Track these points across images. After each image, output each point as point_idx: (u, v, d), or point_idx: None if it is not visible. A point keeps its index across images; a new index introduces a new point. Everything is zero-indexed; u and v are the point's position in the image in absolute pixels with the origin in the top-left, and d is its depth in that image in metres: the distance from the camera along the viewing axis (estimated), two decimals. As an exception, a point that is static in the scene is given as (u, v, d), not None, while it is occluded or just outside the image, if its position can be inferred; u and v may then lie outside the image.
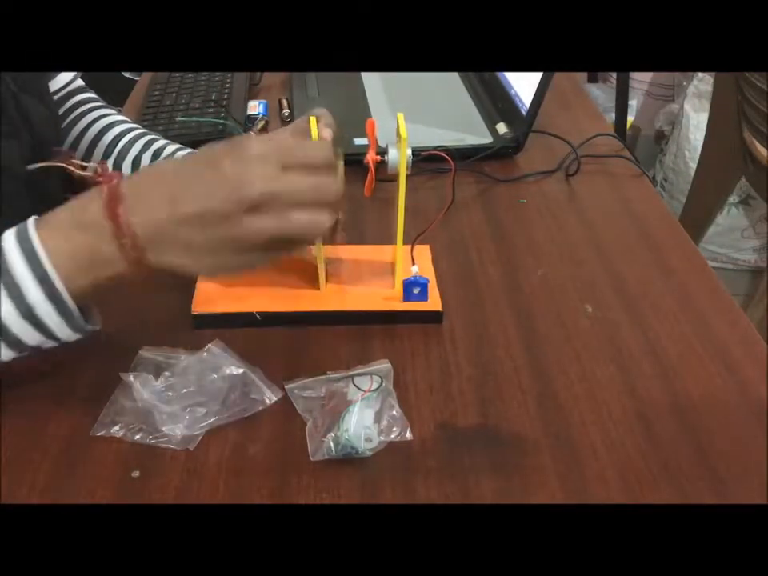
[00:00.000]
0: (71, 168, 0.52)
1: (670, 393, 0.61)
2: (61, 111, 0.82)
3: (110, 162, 0.79)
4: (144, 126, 0.96)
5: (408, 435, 0.56)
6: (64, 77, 0.84)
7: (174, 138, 0.92)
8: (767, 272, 1.64)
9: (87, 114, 0.83)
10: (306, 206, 0.51)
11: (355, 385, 0.58)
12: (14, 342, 0.52)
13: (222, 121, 0.95)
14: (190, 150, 0.79)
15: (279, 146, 0.51)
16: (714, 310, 0.69)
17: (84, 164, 0.53)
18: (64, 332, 0.53)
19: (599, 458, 0.55)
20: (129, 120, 0.84)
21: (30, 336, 0.52)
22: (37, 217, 0.52)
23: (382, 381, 0.58)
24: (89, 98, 0.86)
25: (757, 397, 0.60)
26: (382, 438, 0.55)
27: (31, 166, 0.54)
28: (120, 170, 0.78)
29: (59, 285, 0.50)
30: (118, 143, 0.79)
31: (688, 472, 0.54)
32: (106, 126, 0.81)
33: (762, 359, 0.64)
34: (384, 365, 0.61)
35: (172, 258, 0.51)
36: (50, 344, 0.54)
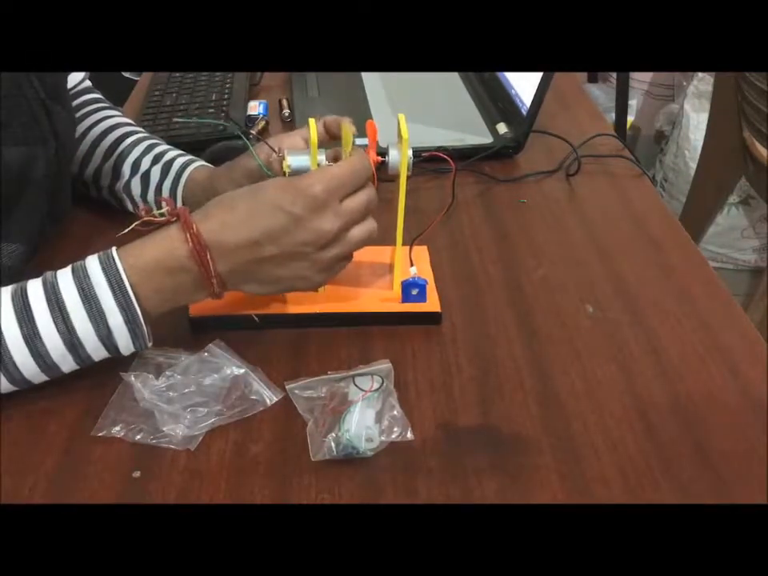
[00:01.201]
0: (155, 221, 0.56)
1: (671, 392, 0.61)
2: None
3: (109, 165, 0.79)
4: (144, 127, 0.96)
5: (409, 435, 0.56)
6: (74, 77, 0.85)
7: (174, 138, 0.93)
8: (767, 272, 1.64)
9: (92, 114, 0.83)
10: (361, 221, 0.58)
11: (356, 385, 0.58)
12: (84, 359, 0.56)
13: (221, 122, 0.95)
14: (190, 156, 0.79)
15: (336, 181, 0.56)
16: (713, 310, 0.69)
17: (156, 213, 0.57)
18: (128, 350, 0.57)
19: (600, 457, 0.55)
20: (133, 123, 0.84)
21: (98, 353, 0.56)
22: (117, 248, 0.56)
23: (383, 381, 0.58)
24: (95, 98, 0.86)
25: (757, 397, 0.60)
26: (383, 438, 0.55)
27: (121, 233, 0.58)
28: (120, 171, 0.78)
29: (140, 313, 0.54)
30: (119, 145, 0.79)
31: (689, 472, 0.54)
32: (109, 127, 0.81)
33: (762, 359, 0.64)
34: (385, 365, 0.61)
35: (247, 287, 0.58)
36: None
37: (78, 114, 0.82)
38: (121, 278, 0.54)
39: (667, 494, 0.52)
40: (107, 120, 0.82)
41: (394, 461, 0.55)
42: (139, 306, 0.54)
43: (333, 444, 0.54)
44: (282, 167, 0.62)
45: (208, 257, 0.54)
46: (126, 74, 1.53)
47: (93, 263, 0.55)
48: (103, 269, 0.54)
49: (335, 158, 0.62)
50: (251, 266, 0.56)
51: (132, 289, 0.54)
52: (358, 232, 0.59)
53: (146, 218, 0.56)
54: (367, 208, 0.59)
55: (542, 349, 0.65)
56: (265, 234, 0.55)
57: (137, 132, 0.82)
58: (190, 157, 0.79)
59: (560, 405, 0.59)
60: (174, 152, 0.79)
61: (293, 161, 0.61)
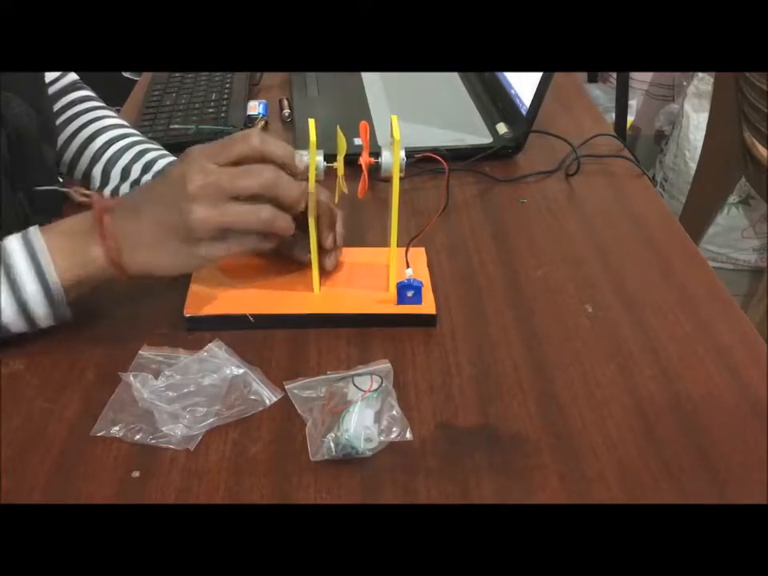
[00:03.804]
0: (73, 194, 0.62)
1: (671, 393, 0.61)
2: (54, 109, 0.81)
3: (98, 169, 0.78)
4: (144, 127, 0.96)
5: (408, 435, 0.56)
6: (51, 73, 0.83)
7: (173, 139, 0.93)
8: (767, 272, 1.64)
9: (81, 115, 0.82)
10: (253, 232, 0.59)
11: (355, 385, 0.58)
12: (1, 329, 0.59)
13: (222, 128, 0.94)
14: None
15: (219, 178, 0.57)
16: (714, 310, 0.69)
17: (86, 192, 0.62)
18: (46, 322, 0.60)
19: (599, 457, 0.55)
20: (124, 123, 0.83)
21: (16, 324, 0.59)
22: (38, 226, 0.59)
23: (382, 381, 0.58)
24: (84, 96, 0.84)
25: (757, 397, 0.60)
26: (381, 438, 0.55)
27: (39, 188, 0.66)
28: (109, 176, 0.78)
29: (54, 280, 0.57)
30: (107, 150, 0.79)
31: (688, 472, 0.54)
32: (98, 130, 0.80)
33: (762, 359, 0.64)
34: (384, 365, 0.61)
35: (141, 256, 0.59)
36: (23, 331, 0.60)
37: (65, 115, 0.81)
38: (33, 242, 0.58)
39: (666, 494, 0.52)
40: (97, 122, 0.81)
41: (393, 461, 0.55)
42: (52, 265, 0.57)
43: (332, 444, 0.54)
44: None
45: (106, 217, 0.57)
46: (126, 74, 1.53)
47: (13, 237, 0.59)
48: (21, 238, 0.58)
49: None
50: (138, 230, 0.58)
51: (44, 248, 0.57)
52: (247, 241, 0.59)
53: (72, 190, 0.62)
54: (263, 223, 0.58)
55: (542, 349, 0.65)
56: (150, 208, 0.58)
57: (126, 136, 0.81)
58: None
59: (559, 405, 0.59)
60: (165, 160, 0.78)
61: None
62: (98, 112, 0.83)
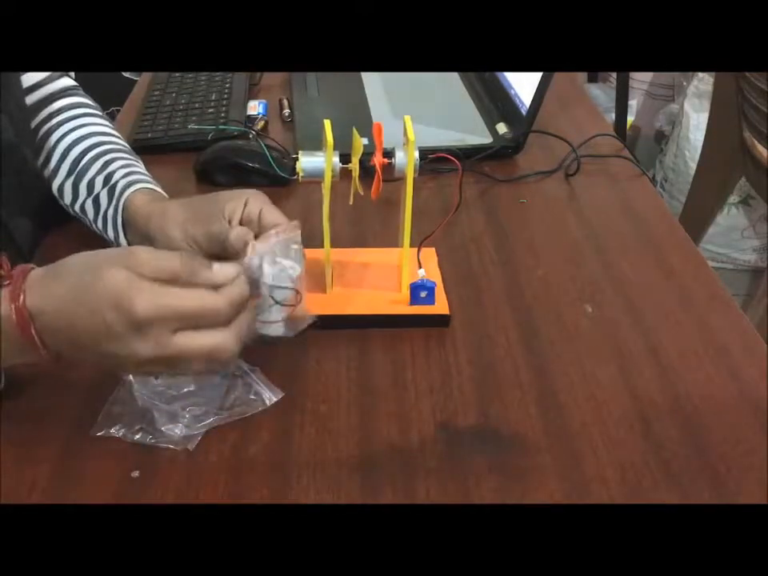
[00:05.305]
0: None
1: (670, 393, 0.61)
2: (38, 120, 0.76)
3: (69, 182, 0.73)
4: (144, 127, 0.96)
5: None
6: (33, 76, 0.77)
7: (174, 139, 0.93)
8: (767, 272, 1.64)
9: (64, 124, 0.76)
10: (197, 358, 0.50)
11: (275, 300, 0.55)
12: None
13: (243, 129, 0.95)
14: (132, 177, 0.71)
15: (170, 311, 0.48)
16: (713, 310, 0.69)
17: None
18: None
19: (599, 457, 0.55)
20: (106, 131, 0.77)
21: None
22: None
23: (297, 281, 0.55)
24: (73, 103, 0.78)
25: (757, 397, 0.60)
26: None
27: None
28: (78, 190, 0.72)
29: None
30: (80, 161, 0.73)
31: (688, 472, 0.54)
32: (75, 141, 0.74)
33: (762, 359, 0.64)
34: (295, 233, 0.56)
35: (85, 361, 0.53)
36: None
37: (53, 121, 0.76)
38: None
39: (666, 494, 0.53)
40: (76, 131, 0.75)
41: (392, 461, 0.55)
42: None
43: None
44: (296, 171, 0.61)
45: (31, 329, 0.49)
46: (126, 74, 1.53)
47: None
48: None
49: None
50: (74, 349, 0.50)
51: None
52: (197, 365, 0.51)
53: None
54: (210, 353, 0.50)
55: (542, 349, 0.65)
56: (83, 333, 0.49)
57: (101, 144, 0.74)
58: (131, 179, 0.71)
59: (559, 405, 0.59)
60: (122, 172, 0.71)
61: (306, 162, 0.61)
62: (82, 120, 0.77)
